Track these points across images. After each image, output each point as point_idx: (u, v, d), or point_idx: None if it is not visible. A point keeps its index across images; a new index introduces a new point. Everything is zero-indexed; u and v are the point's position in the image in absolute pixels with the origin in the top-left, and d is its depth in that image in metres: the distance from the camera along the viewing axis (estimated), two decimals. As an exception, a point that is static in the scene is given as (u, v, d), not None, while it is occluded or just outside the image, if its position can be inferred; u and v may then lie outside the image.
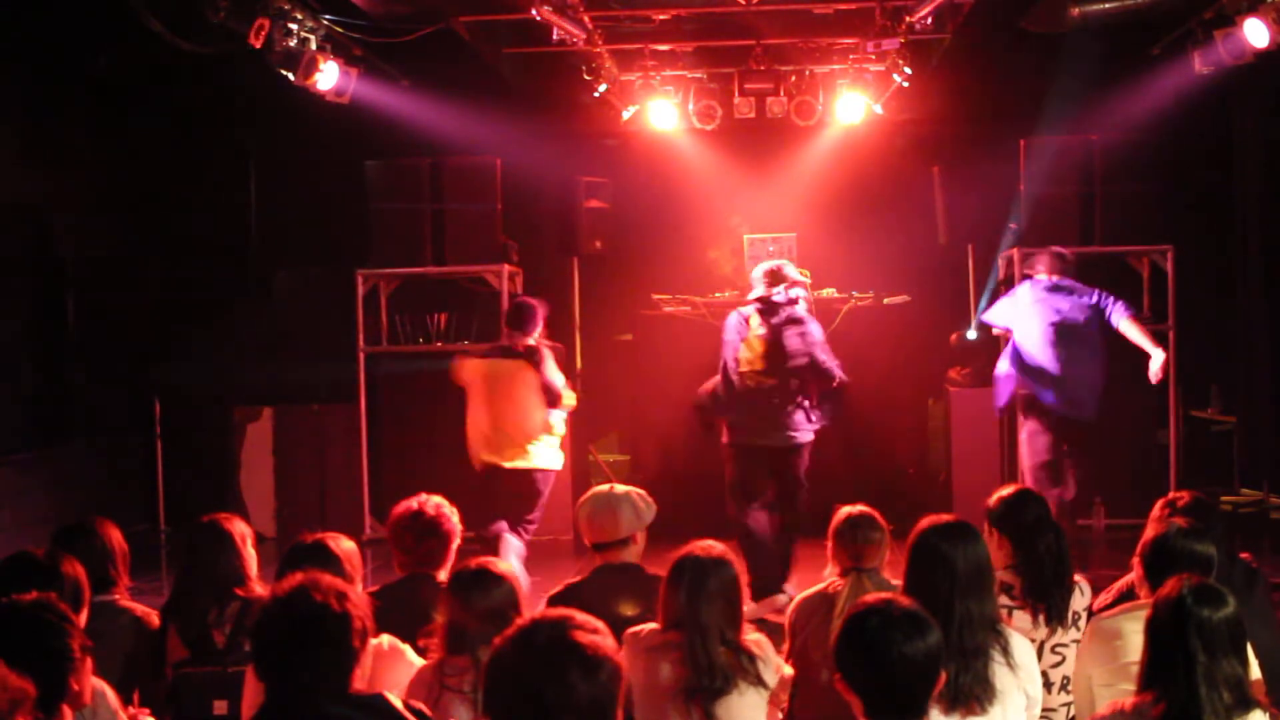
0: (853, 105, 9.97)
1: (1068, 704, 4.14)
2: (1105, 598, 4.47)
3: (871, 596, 2.99)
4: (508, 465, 7.19)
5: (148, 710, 3.96)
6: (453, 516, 4.55)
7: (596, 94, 9.72)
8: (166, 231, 10.86)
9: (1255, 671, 3.32)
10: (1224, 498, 10.00)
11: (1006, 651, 3.56)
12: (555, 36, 8.42)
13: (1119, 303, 7.75)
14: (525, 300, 7.65)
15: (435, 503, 4.55)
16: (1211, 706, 2.94)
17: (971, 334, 10.07)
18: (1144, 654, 3.08)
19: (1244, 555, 4.51)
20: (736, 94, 9.99)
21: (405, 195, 9.96)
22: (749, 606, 4.74)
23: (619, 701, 2.39)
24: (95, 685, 3.34)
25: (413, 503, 4.55)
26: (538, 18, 7.96)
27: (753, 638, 3.82)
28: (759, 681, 3.72)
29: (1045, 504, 4.41)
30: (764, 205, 10.83)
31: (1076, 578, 4.31)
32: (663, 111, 10.11)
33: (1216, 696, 2.94)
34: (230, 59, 8.28)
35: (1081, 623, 4.20)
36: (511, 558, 6.81)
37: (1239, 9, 8.06)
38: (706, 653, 3.68)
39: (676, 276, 10.44)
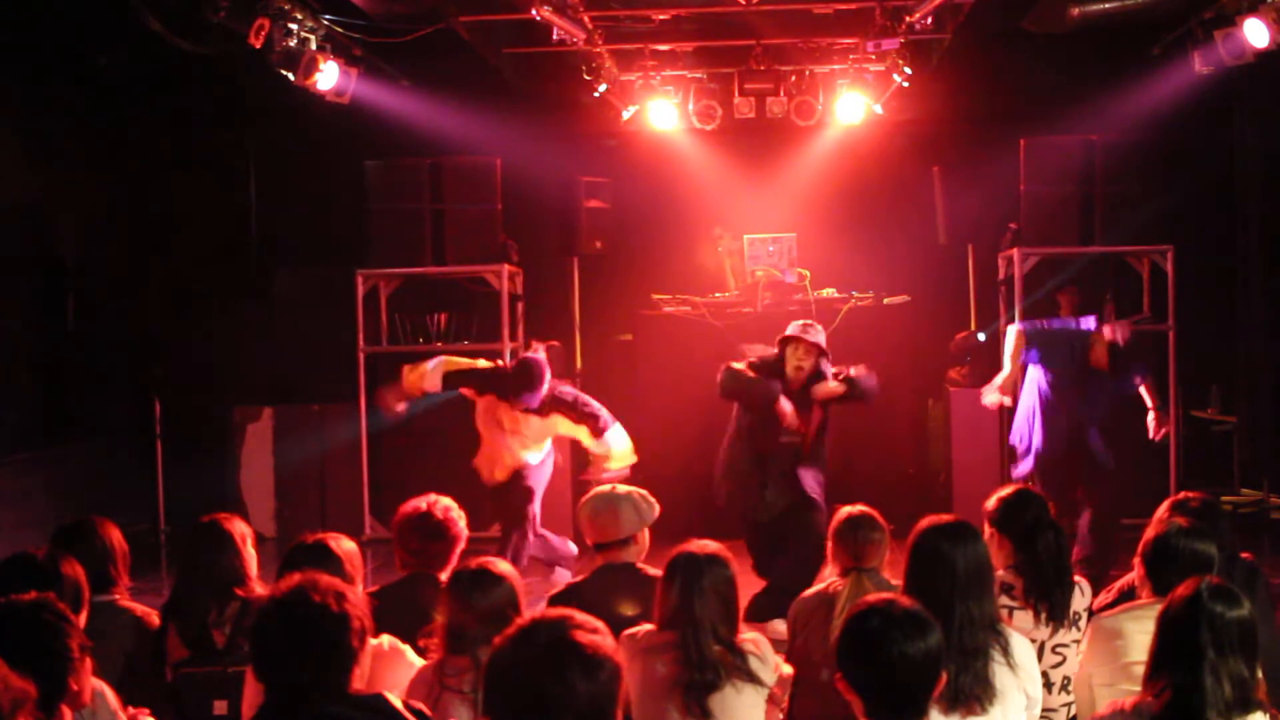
0: (853, 105, 9.97)
1: (1068, 704, 4.14)
2: (1106, 598, 4.47)
3: (872, 596, 3.00)
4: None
5: (148, 710, 3.96)
6: (460, 520, 4.49)
7: (596, 94, 9.71)
8: (166, 231, 10.86)
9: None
10: (1224, 498, 9.98)
11: (1006, 652, 3.56)
12: (555, 36, 8.42)
13: None
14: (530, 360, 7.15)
15: (444, 505, 4.47)
16: (1214, 700, 2.94)
17: (982, 336, 10.04)
18: (1154, 645, 3.09)
19: (1245, 555, 4.51)
20: (736, 94, 9.99)
21: (405, 195, 9.96)
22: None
23: (619, 702, 2.38)
24: (95, 685, 3.33)
25: (421, 503, 4.47)
26: (538, 18, 7.95)
27: (749, 636, 3.82)
28: (755, 679, 3.71)
29: (1045, 504, 4.41)
30: (764, 205, 10.82)
31: (1076, 578, 4.31)
32: (663, 111, 10.11)
33: (1220, 691, 2.95)
34: (230, 59, 8.29)
35: (1082, 623, 4.20)
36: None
37: (1239, 9, 8.06)
38: (699, 648, 3.68)
39: (676, 276, 10.44)
